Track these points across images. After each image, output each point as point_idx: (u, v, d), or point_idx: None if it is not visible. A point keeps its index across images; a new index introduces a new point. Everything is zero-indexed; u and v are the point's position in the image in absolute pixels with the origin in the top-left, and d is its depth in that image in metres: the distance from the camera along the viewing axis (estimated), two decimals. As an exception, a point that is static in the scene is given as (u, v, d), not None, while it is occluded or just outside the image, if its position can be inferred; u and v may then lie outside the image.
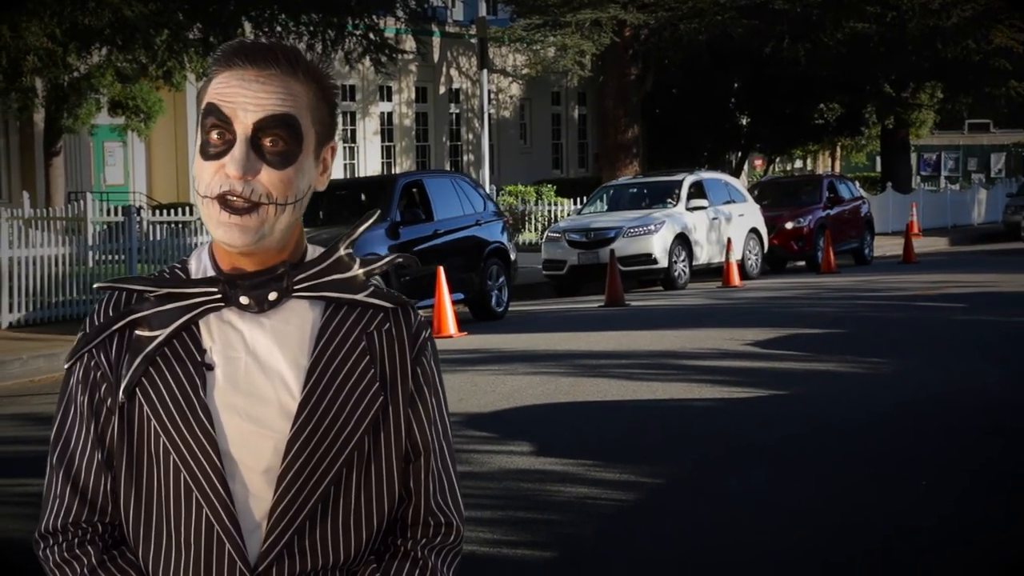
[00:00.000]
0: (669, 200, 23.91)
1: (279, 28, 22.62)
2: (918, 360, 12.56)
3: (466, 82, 37.94)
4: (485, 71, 32.61)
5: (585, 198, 27.99)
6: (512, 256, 19.24)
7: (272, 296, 2.14)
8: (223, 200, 2.09)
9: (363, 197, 18.28)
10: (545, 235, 24.41)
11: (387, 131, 36.05)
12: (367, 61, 25.18)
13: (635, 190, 25.14)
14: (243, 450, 2.11)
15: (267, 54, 2.15)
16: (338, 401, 2.14)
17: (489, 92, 33.81)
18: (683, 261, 23.20)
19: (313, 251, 2.23)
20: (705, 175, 25.44)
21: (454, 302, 16.87)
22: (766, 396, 10.74)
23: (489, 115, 33.47)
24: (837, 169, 50.45)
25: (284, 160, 2.12)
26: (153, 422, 2.10)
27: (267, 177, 2.10)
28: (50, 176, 24.08)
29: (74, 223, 21.40)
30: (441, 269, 17.31)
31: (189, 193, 30.53)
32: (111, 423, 2.13)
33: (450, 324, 16.46)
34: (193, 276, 2.19)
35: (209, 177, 2.10)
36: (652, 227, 22.76)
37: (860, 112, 40.49)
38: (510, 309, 19.22)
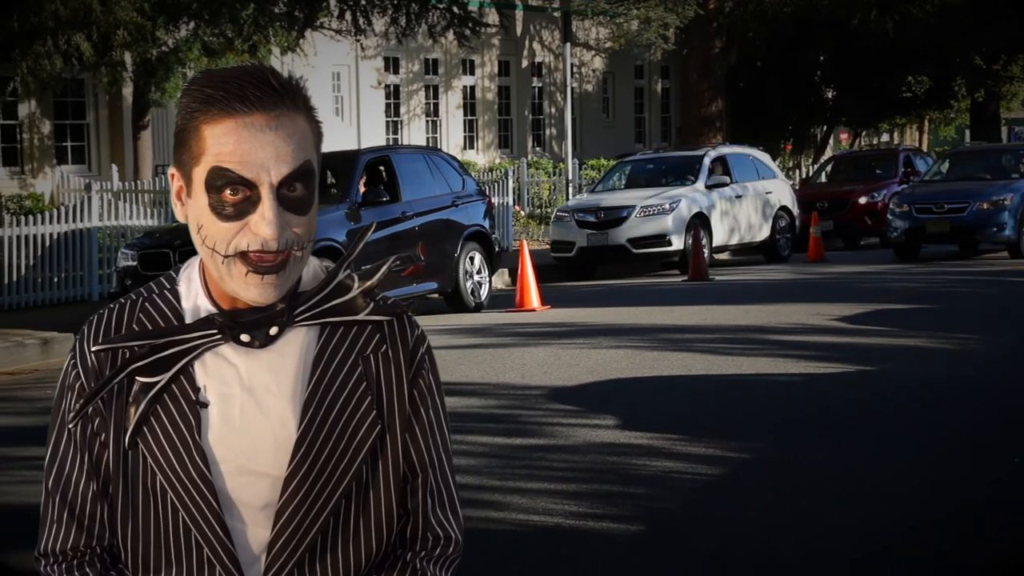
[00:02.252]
0: (689, 177, 22.36)
1: (364, 2, 22.66)
2: (1011, 336, 12.36)
3: (549, 56, 37.81)
4: (568, 44, 32.49)
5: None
6: (496, 241, 17.56)
7: (273, 331, 2.07)
8: (248, 258, 1.99)
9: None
10: (553, 214, 23.01)
11: (469, 105, 36.04)
12: (450, 34, 25.18)
13: (653, 166, 23.65)
14: (240, 488, 2.07)
15: (270, 93, 1.99)
16: (335, 433, 2.08)
17: (572, 66, 33.68)
18: (700, 243, 21.24)
19: (307, 270, 2.13)
20: (729, 150, 23.80)
21: (424, 293, 15.89)
22: (853, 372, 10.62)
23: (572, 89, 33.34)
24: (925, 143, 49.72)
25: (305, 205, 2.02)
26: (149, 461, 2.07)
27: (293, 225, 2.01)
28: (138, 149, 24.37)
29: (161, 196, 21.65)
30: (525, 242, 17.27)
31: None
32: (104, 456, 2.10)
33: (533, 298, 16.46)
34: (184, 302, 2.11)
35: (229, 236, 1.99)
36: (667, 206, 21.12)
37: (949, 85, 39.81)
38: (601, 282, 18.58)
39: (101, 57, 21.05)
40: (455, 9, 24.18)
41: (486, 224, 17.12)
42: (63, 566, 2.13)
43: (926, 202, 21.64)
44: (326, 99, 32.31)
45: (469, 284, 16.53)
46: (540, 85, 37.86)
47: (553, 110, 37.79)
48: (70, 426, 2.12)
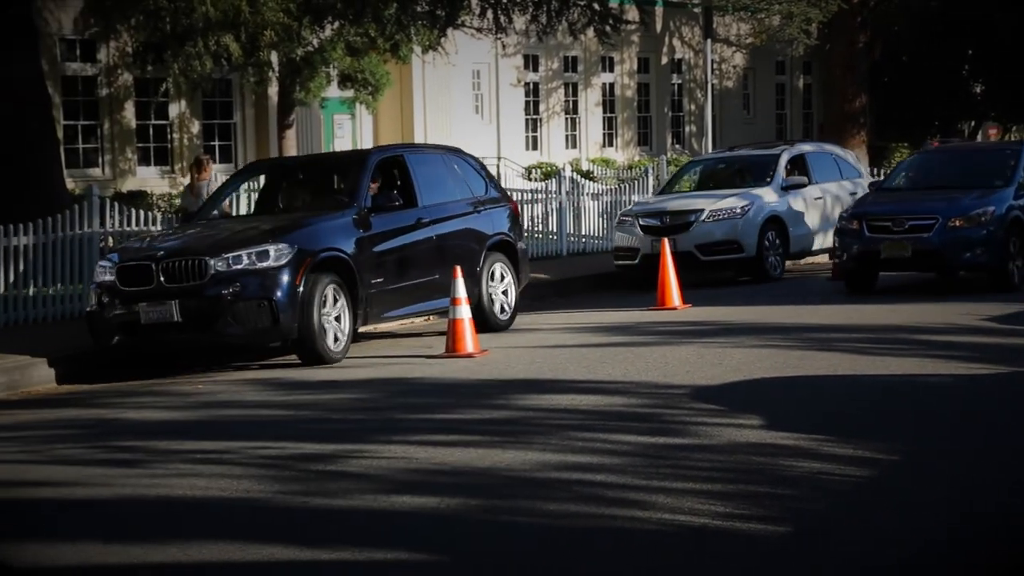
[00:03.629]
0: (764, 178, 20.44)
1: (505, 0, 22.77)
2: None
3: (689, 52, 37.58)
4: (709, 40, 32.24)
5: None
6: (521, 251, 15.45)
7: None
8: None
9: (326, 178, 15.21)
10: (617, 218, 21.30)
11: (608, 102, 35.97)
12: (590, 32, 25.13)
13: (725, 166, 21.91)
14: None
15: None
16: None
17: (712, 62, 33.42)
18: (776, 249, 19.80)
19: None
20: (809, 147, 21.99)
21: (434, 312, 14.46)
22: (1006, 373, 10.38)
23: (712, 85, 33.09)
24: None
25: None
26: None
27: None
28: (283, 148, 24.78)
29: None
30: (666, 241, 16.90)
31: (414, 164, 31.02)
32: None
33: (674, 296, 16.35)
34: None
35: None
36: (738, 210, 19.46)
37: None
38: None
39: (249, 57, 21.47)
40: (596, 6, 24.12)
41: (512, 232, 15.26)
42: None
43: (882, 217, 16.57)
44: (466, 97, 32.51)
45: (497, 301, 14.71)
46: (680, 82, 37.63)
47: (693, 107, 37.54)
48: None
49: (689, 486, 7.13)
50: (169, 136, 26.68)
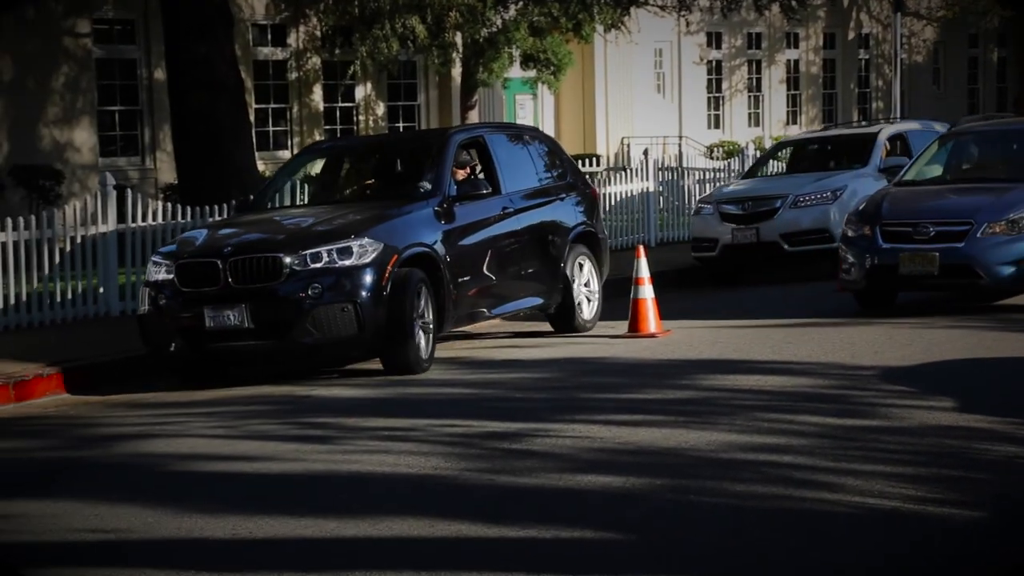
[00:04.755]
0: (860, 160, 18.16)
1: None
2: None
3: (876, 27, 36.76)
4: (898, 14, 31.49)
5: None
6: (603, 243, 14.00)
7: None
8: None
9: (401, 163, 13.58)
10: (695, 205, 19.20)
11: (793, 79, 35.43)
12: (775, 7, 24.80)
13: (817, 147, 19.68)
14: None
15: None
16: None
17: (901, 36, 32.63)
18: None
19: None
20: (911, 125, 19.45)
21: (527, 309, 13.01)
22: None
23: (901, 60, 32.32)
24: None
25: None
26: None
27: None
28: (466, 128, 25.07)
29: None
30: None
31: (596, 144, 31.06)
32: None
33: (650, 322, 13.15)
34: None
35: None
36: (828, 195, 17.27)
37: None
38: None
39: (434, 39, 21.77)
40: (781, -19, 23.81)
41: (594, 222, 13.90)
42: None
43: (900, 222, 13.06)
44: (647, 76, 32.37)
45: (583, 300, 13.34)
46: (867, 57, 36.87)
47: (880, 82, 36.74)
48: None
49: (879, 468, 7.01)
50: (355, 118, 27.18)
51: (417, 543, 6.18)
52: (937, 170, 14.38)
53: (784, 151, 20.25)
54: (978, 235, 12.53)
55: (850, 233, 13.35)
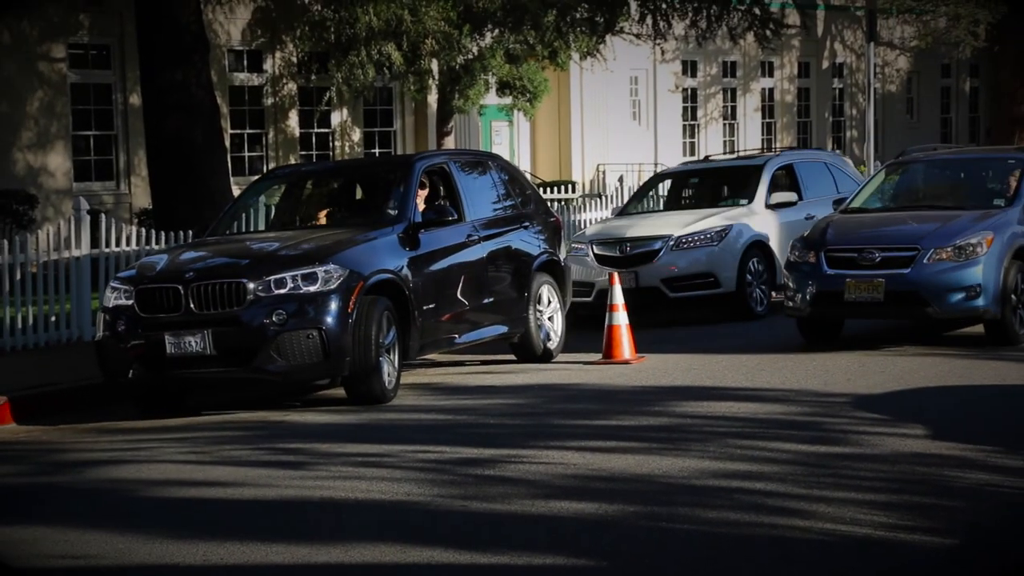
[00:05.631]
0: (745, 194, 16.76)
1: (664, 6, 22.73)
2: None
3: (850, 56, 37.00)
4: (872, 44, 31.71)
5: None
6: (566, 272, 13.80)
7: None
8: None
9: (364, 189, 13.50)
10: (568, 245, 16.18)
11: (767, 107, 35.62)
12: (750, 36, 24.95)
13: (699, 180, 18.11)
14: None
15: None
16: None
17: (875, 65, 32.86)
18: (760, 281, 15.98)
19: None
20: (799, 157, 18.20)
21: (492, 338, 12.67)
22: None
23: (875, 89, 32.54)
24: None
25: None
26: None
27: None
28: (442, 155, 25.11)
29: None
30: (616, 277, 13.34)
31: (572, 170, 31.12)
32: None
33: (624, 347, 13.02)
34: None
35: None
36: (713, 235, 15.82)
37: None
38: None
39: (410, 65, 21.80)
40: (756, 10, 23.95)
41: (556, 250, 13.64)
42: None
43: (845, 248, 12.80)
44: (623, 104, 32.47)
45: (544, 329, 13.16)
46: (841, 86, 37.08)
47: (854, 111, 36.95)
48: None
49: (851, 495, 7.02)
50: (331, 144, 27.18)
51: (389, 569, 6.16)
52: (883, 198, 14.19)
53: (663, 184, 18.69)
54: (924, 261, 12.32)
55: (794, 259, 13.08)
